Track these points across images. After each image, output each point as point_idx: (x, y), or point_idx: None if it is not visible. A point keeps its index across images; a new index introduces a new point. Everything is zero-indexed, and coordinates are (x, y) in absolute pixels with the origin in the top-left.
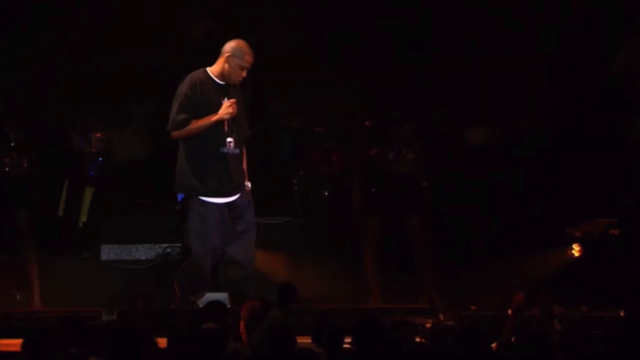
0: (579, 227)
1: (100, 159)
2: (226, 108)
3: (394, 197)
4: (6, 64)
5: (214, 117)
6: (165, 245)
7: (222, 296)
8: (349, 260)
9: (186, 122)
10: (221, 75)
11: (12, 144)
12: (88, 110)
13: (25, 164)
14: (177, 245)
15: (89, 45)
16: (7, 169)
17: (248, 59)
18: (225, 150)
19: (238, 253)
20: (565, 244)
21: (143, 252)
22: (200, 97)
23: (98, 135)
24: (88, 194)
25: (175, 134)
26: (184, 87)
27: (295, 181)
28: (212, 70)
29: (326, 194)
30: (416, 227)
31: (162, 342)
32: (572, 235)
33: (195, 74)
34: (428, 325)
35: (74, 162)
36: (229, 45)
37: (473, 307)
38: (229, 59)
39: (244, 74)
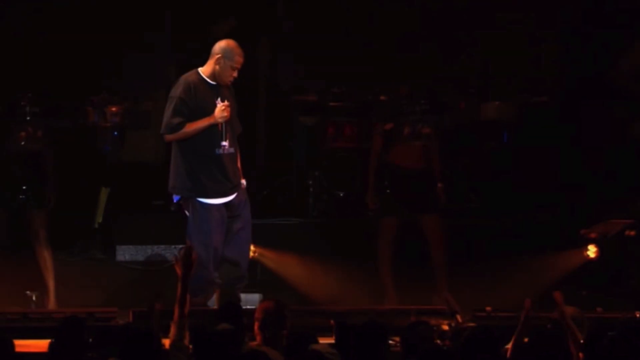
0: (594, 228)
1: (116, 133)
2: (220, 112)
3: (409, 197)
4: (20, 36)
5: (208, 121)
6: (180, 246)
7: (255, 297)
8: (363, 260)
9: (181, 125)
10: (212, 76)
11: (28, 118)
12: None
13: (41, 138)
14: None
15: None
16: (22, 143)
17: (238, 59)
18: (220, 151)
19: (234, 252)
20: (580, 245)
21: (158, 253)
22: (194, 100)
23: (113, 109)
24: (103, 194)
25: (169, 137)
26: (178, 89)
27: (310, 182)
28: (204, 71)
29: (341, 194)
30: (431, 228)
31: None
32: (587, 237)
33: (189, 76)
34: (445, 327)
35: (89, 136)
36: (219, 47)
37: (488, 308)
38: (219, 60)
39: (235, 74)
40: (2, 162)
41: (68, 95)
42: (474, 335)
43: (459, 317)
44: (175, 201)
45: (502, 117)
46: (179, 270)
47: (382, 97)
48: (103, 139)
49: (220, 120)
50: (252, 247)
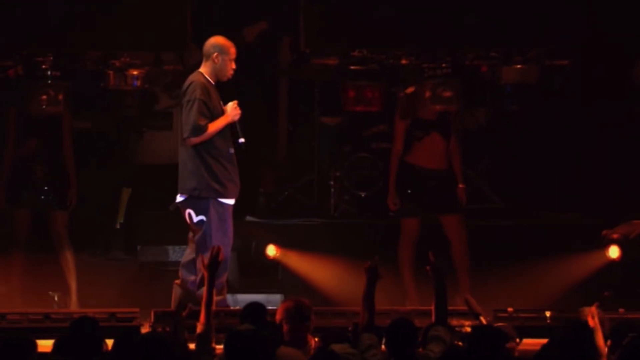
0: (616, 229)
1: (136, 96)
2: (233, 110)
3: (430, 198)
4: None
5: (225, 120)
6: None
7: (277, 297)
8: (384, 261)
9: (206, 127)
10: (213, 75)
11: (49, 82)
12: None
13: (61, 101)
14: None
15: None
16: (43, 106)
17: (233, 50)
18: (232, 151)
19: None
20: (602, 245)
21: (180, 253)
22: (210, 101)
23: (134, 72)
24: (125, 195)
25: (195, 140)
26: (196, 92)
27: (331, 182)
28: (205, 73)
29: (363, 195)
30: (453, 228)
31: None
32: (609, 237)
33: (199, 77)
34: (467, 329)
35: (110, 100)
36: (212, 45)
37: (510, 309)
38: (217, 57)
39: (234, 65)
40: (24, 162)
41: (89, 58)
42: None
43: (482, 319)
44: (180, 200)
45: (525, 80)
46: (205, 273)
47: (403, 61)
48: (123, 102)
49: (235, 118)
50: (274, 248)
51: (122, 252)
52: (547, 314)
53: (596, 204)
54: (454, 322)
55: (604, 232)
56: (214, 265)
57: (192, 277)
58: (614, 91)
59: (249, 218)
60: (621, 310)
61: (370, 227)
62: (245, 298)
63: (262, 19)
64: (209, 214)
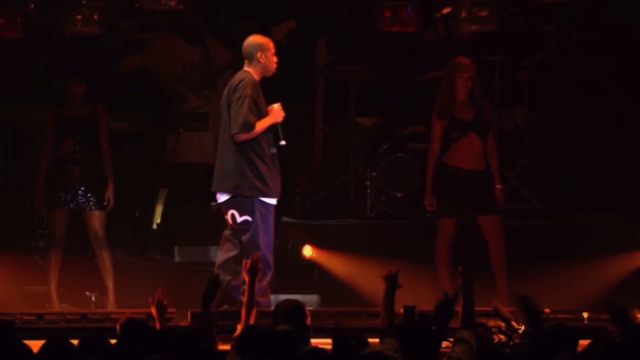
0: None
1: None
2: (279, 111)
3: (467, 199)
4: None
5: (270, 120)
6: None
7: (313, 298)
8: (421, 262)
9: (254, 124)
10: (259, 73)
11: (83, 1)
12: None
13: (97, 20)
14: None
15: None
16: (78, 26)
17: (272, 45)
18: (274, 151)
19: (270, 251)
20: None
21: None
22: (259, 99)
23: None
24: (162, 195)
25: (244, 137)
26: (247, 89)
27: (367, 183)
28: (251, 72)
29: (399, 195)
30: (490, 229)
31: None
32: None
33: (249, 75)
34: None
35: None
36: (252, 45)
37: (547, 310)
38: (261, 56)
39: (276, 59)
40: (61, 163)
41: None
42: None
43: (514, 324)
44: (221, 201)
45: None
46: (246, 278)
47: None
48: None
49: (279, 120)
50: (310, 248)
51: (159, 252)
52: (585, 315)
53: (634, 204)
54: (491, 322)
55: None
56: (254, 271)
57: (228, 278)
58: None
59: (285, 219)
60: None
61: (406, 227)
62: (281, 299)
63: (291, 17)
64: (254, 214)
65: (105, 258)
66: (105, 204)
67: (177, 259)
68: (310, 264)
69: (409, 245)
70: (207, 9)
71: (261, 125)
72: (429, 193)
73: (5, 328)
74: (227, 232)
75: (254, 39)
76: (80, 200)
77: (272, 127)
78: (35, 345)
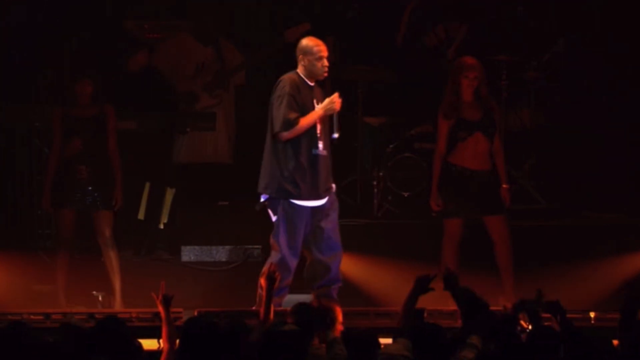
0: None
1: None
2: (329, 103)
3: (474, 198)
4: None
5: (318, 114)
6: (245, 246)
7: (304, 298)
8: (428, 262)
9: (297, 121)
10: (307, 75)
11: None
12: None
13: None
14: (257, 246)
15: None
16: None
17: (318, 49)
18: (317, 151)
19: (325, 254)
20: None
21: (223, 253)
22: (299, 97)
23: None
24: (169, 195)
25: (286, 134)
26: (285, 87)
27: (374, 182)
28: (300, 73)
29: (406, 195)
30: (497, 228)
31: None
32: None
33: (291, 75)
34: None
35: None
36: (297, 49)
37: None
38: (303, 59)
39: (325, 63)
40: (69, 162)
41: None
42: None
43: (523, 323)
44: (262, 201)
45: None
46: (263, 284)
47: None
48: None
49: (329, 112)
50: None
51: (166, 252)
52: (592, 314)
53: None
54: None
55: None
56: (271, 281)
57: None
58: None
59: None
60: None
61: (413, 227)
62: (289, 298)
63: (305, 19)
64: (280, 215)
65: (112, 258)
66: (113, 203)
67: (183, 258)
68: None
69: (416, 245)
70: (221, 12)
71: (307, 120)
72: (435, 193)
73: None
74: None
75: (301, 42)
76: (88, 200)
77: (324, 124)
78: None
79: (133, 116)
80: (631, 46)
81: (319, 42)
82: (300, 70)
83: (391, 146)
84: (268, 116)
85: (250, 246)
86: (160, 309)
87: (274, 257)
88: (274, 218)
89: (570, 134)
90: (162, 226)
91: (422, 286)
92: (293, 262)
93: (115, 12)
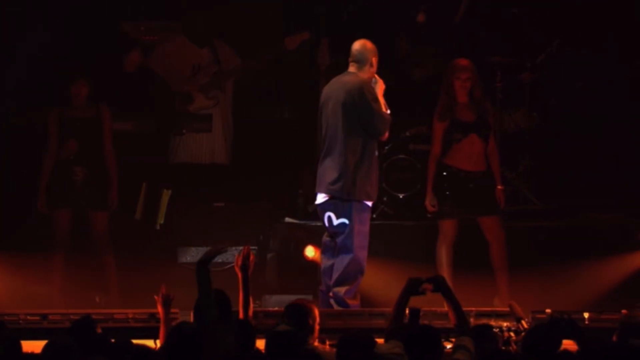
0: None
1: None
2: (379, 87)
3: (468, 199)
4: None
5: (382, 100)
6: (240, 248)
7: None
8: (422, 263)
9: (389, 120)
10: (369, 78)
11: None
12: None
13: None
14: (253, 248)
15: None
16: None
17: (370, 48)
18: (377, 153)
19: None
20: (638, 247)
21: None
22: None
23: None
24: (165, 197)
25: (386, 136)
26: (371, 92)
27: None
28: (362, 76)
29: (400, 196)
30: (492, 229)
31: None
32: None
33: (364, 79)
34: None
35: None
36: (367, 50)
37: (549, 310)
38: (375, 61)
39: (375, 61)
40: (65, 163)
41: None
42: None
43: (524, 323)
44: (321, 202)
45: None
46: (239, 273)
47: None
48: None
49: (383, 88)
50: (312, 249)
51: (162, 253)
52: (586, 315)
53: (636, 205)
54: (492, 322)
55: None
56: (245, 267)
57: (330, 283)
58: None
59: (288, 219)
60: None
61: (408, 228)
62: (283, 299)
63: (305, 27)
64: (351, 217)
65: (108, 259)
66: (109, 204)
67: (180, 259)
68: (313, 264)
69: (411, 245)
70: (213, 13)
71: (384, 110)
72: (430, 194)
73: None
74: (325, 238)
75: (366, 44)
76: (84, 201)
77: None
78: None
79: (129, 117)
80: (625, 48)
81: (369, 42)
82: (363, 72)
83: (386, 148)
84: (333, 120)
85: (243, 248)
86: (160, 309)
87: (343, 259)
88: (337, 222)
89: (565, 135)
90: (158, 227)
91: (413, 287)
92: (365, 262)
93: (113, 13)
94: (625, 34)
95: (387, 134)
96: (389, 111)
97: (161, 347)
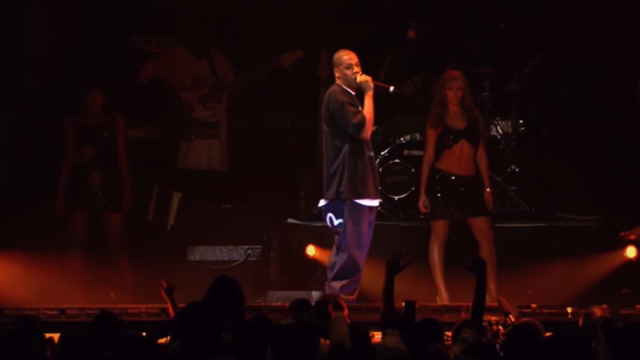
0: (634, 230)
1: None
2: (364, 83)
3: (459, 201)
4: None
5: (368, 96)
6: (246, 246)
7: (316, 294)
8: (416, 261)
9: (362, 119)
10: (348, 86)
11: None
12: None
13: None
14: (258, 247)
15: None
16: None
17: (345, 57)
18: (370, 154)
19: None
20: (621, 246)
21: (226, 253)
22: (354, 100)
23: None
24: (175, 199)
25: (364, 134)
26: (337, 99)
27: None
28: (340, 84)
29: (396, 198)
30: (481, 230)
31: None
32: (627, 238)
33: (334, 87)
34: (500, 328)
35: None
36: (333, 59)
37: (534, 305)
38: (336, 71)
39: (356, 69)
40: (81, 168)
41: None
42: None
43: (511, 317)
44: (321, 205)
45: None
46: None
47: None
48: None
49: (371, 84)
50: (313, 248)
51: (173, 252)
52: (569, 310)
53: (617, 207)
54: (491, 316)
55: (622, 233)
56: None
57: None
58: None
59: (290, 220)
60: (638, 306)
61: (402, 228)
62: (286, 295)
63: (300, 45)
64: (347, 217)
65: (122, 258)
66: (123, 206)
67: (189, 257)
68: (314, 262)
69: (405, 245)
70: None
71: (368, 109)
72: (423, 196)
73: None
74: (336, 237)
75: (337, 53)
76: (99, 204)
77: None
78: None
79: (141, 125)
80: (607, 59)
81: (348, 51)
82: (339, 82)
83: (382, 153)
84: (324, 129)
85: (250, 246)
86: (165, 297)
87: (341, 257)
88: (336, 222)
89: (550, 140)
90: (169, 227)
91: (393, 267)
92: (361, 260)
93: (127, 28)
94: (608, 45)
95: (367, 134)
96: (365, 111)
97: (172, 323)
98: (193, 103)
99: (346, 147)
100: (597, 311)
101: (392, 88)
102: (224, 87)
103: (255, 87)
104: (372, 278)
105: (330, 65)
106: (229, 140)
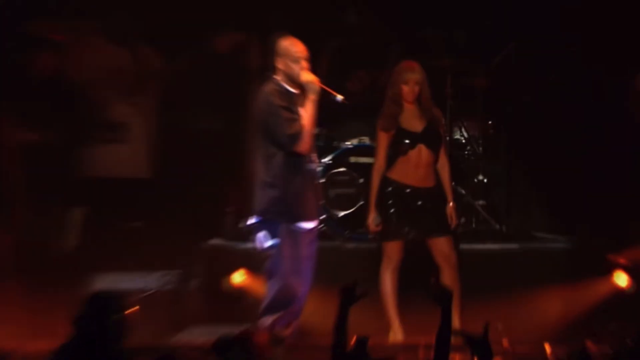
0: (624, 253)
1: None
2: (309, 84)
3: (416, 218)
4: None
5: (310, 101)
6: (160, 272)
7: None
8: (365, 289)
9: (299, 129)
10: (287, 82)
11: None
12: None
13: None
14: (175, 272)
15: None
16: None
17: (295, 49)
18: (310, 166)
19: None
20: (609, 271)
21: (135, 281)
22: (292, 104)
23: None
24: (76, 215)
25: (300, 147)
26: (272, 101)
27: None
28: (280, 80)
29: (340, 215)
30: (442, 251)
31: None
32: (616, 262)
33: (269, 85)
34: None
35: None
36: (277, 48)
37: (505, 342)
38: (280, 62)
39: (305, 64)
40: None
41: None
42: None
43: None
44: (251, 223)
45: None
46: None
47: None
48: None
49: (317, 87)
50: (240, 274)
51: (74, 280)
52: (547, 346)
53: (602, 225)
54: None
55: (610, 256)
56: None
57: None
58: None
59: (213, 241)
60: (629, 341)
61: (348, 251)
62: (210, 330)
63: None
64: (281, 239)
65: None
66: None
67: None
68: (242, 291)
69: (352, 270)
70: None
71: (308, 118)
72: (373, 212)
73: None
74: (267, 261)
75: (282, 41)
76: None
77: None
78: None
79: (35, 127)
80: (585, 52)
81: (297, 41)
82: (278, 77)
83: (325, 160)
84: (259, 133)
85: (165, 272)
86: None
87: (272, 286)
88: (267, 243)
89: (522, 146)
90: (68, 250)
91: (348, 296)
92: (299, 288)
93: (16, 12)
94: (590, 36)
95: (304, 147)
96: (304, 120)
97: None
98: (112, 99)
99: (280, 158)
100: (593, 347)
101: (340, 97)
102: (148, 77)
103: (187, 79)
104: (310, 311)
105: (265, 54)
106: (147, 143)
